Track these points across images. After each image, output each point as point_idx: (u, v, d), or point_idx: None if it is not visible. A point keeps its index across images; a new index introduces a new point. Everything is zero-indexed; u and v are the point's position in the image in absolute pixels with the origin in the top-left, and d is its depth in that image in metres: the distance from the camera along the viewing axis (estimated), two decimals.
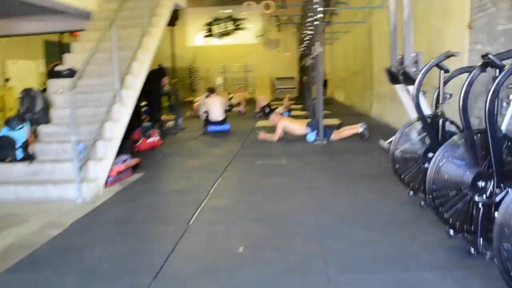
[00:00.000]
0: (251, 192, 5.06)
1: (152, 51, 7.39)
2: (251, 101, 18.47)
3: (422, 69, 4.40)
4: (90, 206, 4.69)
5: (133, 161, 6.16)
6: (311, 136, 8.32)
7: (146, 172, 6.22)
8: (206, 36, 24.86)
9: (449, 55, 4.39)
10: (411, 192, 4.55)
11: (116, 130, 5.84)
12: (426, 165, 4.23)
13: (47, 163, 5.43)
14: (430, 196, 3.30)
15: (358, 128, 8.32)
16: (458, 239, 3.30)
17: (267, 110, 13.53)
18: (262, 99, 13.83)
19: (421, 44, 6.35)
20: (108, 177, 5.49)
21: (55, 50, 13.74)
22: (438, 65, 4.37)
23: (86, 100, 5.56)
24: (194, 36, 24.68)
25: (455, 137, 3.33)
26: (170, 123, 11.68)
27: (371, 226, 3.77)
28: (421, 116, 4.29)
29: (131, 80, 6.52)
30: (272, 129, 8.91)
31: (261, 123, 11.74)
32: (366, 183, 5.16)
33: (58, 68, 7.14)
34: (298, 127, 8.52)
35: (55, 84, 6.61)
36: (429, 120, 4.32)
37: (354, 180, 5.35)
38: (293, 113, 13.52)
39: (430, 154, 4.25)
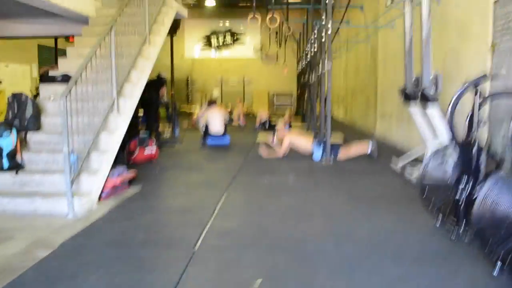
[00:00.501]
0: (260, 213, 4.61)
1: (153, 59, 6.98)
2: (248, 115, 18.12)
3: (457, 93, 3.98)
4: (82, 223, 4.22)
5: (130, 174, 5.69)
6: (317, 154, 7.91)
7: (143, 186, 5.76)
8: (204, 48, 24.52)
9: (485, 77, 4.03)
10: (438, 222, 4.13)
11: (112, 141, 5.38)
12: (457, 195, 3.85)
13: (36, 173, 4.94)
14: (477, 232, 2.93)
15: (367, 147, 7.93)
16: (504, 275, 2.89)
17: (267, 125, 13.18)
18: (263, 113, 13.44)
19: (435, 65, 6.03)
20: (102, 191, 5.03)
21: (50, 55, 13.38)
22: (474, 88, 3.97)
23: (81, 108, 5.09)
24: (192, 47, 24.33)
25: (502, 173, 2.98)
26: (167, 134, 11.25)
27: (401, 258, 3.34)
28: (456, 143, 3.90)
29: (129, 88, 6.09)
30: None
31: (262, 137, 11.32)
32: (384, 209, 4.74)
33: (52, 73, 6.71)
34: (304, 144, 8.11)
35: (47, 90, 6.16)
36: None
37: (370, 204, 4.93)
38: (294, 129, 13.13)
39: (462, 184, 3.87)
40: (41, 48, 15.12)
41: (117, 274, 3.07)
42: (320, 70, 9.17)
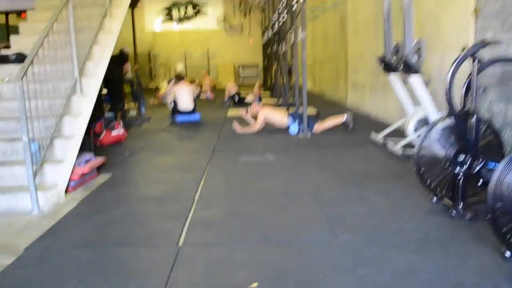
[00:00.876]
0: (244, 199, 4.27)
1: (115, 33, 6.41)
2: (214, 88, 17.63)
3: (456, 59, 3.70)
4: (49, 220, 3.79)
5: (98, 161, 5.25)
6: (294, 128, 7.62)
7: (114, 172, 5.33)
8: (165, 21, 23.61)
9: (485, 44, 3.76)
10: (435, 198, 3.91)
11: (77, 125, 4.91)
12: (456, 169, 3.62)
13: None
14: (491, 214, 2.68)
15: (342, 117, 7.70)
16: None
17: (236, 98, 12.77)
18: (232, 87, 13.00)
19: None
20: (69, 181, 4.58)
21: (1, 33, 12.39)
22: (472, 55, 3.70)
23: (40, 90, 4.56)
24: (153, 20, 23.38)
25: None
26: (133, 112, 10.73)
27: (405, 245, 3.09)
28: (453, 114, 3.64)
29: (92, 66, 5.57)
30: (245, 121, 8.20)
31: (233, 112, 10.93)
32: (374, 186, 4.50)
33: (3, 52, 6.09)
34: (279, 118, 7.80)
35: (0, 71, 5.59)
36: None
37: (359, 182, 4.67)
38: (264, 101, 12.76)
39: (461, 157, 3.64)
40: None
41: (94, 282, 2.69)
42: (293, 39, 8.77)
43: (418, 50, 5.66)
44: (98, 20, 5.95)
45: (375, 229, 3.40)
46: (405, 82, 6.60)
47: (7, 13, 11.18)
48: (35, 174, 4.05)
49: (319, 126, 7.63)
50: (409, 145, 5.90)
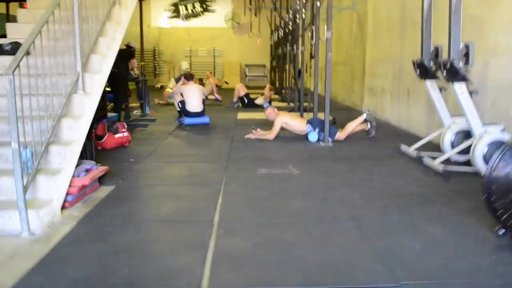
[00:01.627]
0: (272, 224, 3.58)
1: (125, 25, 5.77)
2: (219, 88, 16.96)
3: None
4: (41, 246, 3.11)
5: (100, 170, 4.58)
6: (313, 136, 6.97)
7: (117, 183, 4.67)
8: (172, 17, 22.92)
9: None
10: (502, 230, 3.26)
11: (78, 129, 4.23)
12: None
13: None
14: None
15: (362, 117, 7.12)
16: None
17: (246, 100, 12.12)
18: (240, 88, 12.32)
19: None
20: (67, 194, 3.92)
21: (1, 23, 11.74)
22: None
23: (35, 86, 3.89)
24: (159, 16, 22.70)
25: None
26: (137, 112, 10.08)
27: None
28: None
29: (97, 61, 4.90)
30: (258, 123, 7.60)
31: (243, 115, 10.28)
32: (422, 211, 3.86)
33: None
34: (298, 125, 7.16)
35: None
36: None
37: (402, 204, 4.02)
38: (274, 104, 12.10)
39: None
40: None
41: None
42: (314, 39, 8.11)
43: (466, 55, 5.05)
44: (106, 9, 5.30)
45: (442, 271, 2.75)
46: (442, 89, 5.97)
47: (7, 2, 10.52)
48: (25, 188, 3.38)
49: (341, 134, 7.00)
50: (448, 161, 5.29)
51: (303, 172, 5.19)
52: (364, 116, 7.17)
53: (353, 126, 7.12)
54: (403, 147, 6.22)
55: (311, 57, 8.66)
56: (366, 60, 11.28)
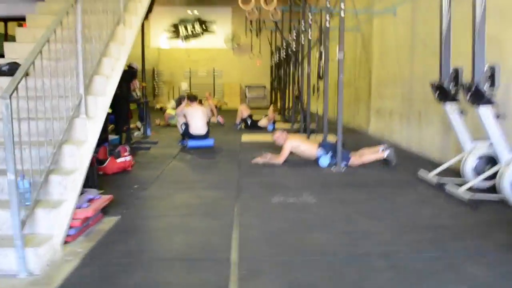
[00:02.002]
0: (297, 264, 3.20)
1: (129, 45, 5.48)
2: (219, 109, 16.71)
3: None
4: None
5: (104, 200, 4.23)
6: (325, 160, 6.65)
7: (122, 213, 4.32)
8: (171, 38, 22.79)
9: None
10: None
11: (80, 157, 3.89)
12: None
13: None
14: None
15: (383, 152, 6.73)
16: None
17: (249, 121, 11.85)
18: (244, 109, 12.06)
19: (468, 57, 4.89)
20: (69, 227, 3.57)
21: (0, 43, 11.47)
22: None
23: (34, 110, 3.56)
24: (158, 36, 22.57)
25: None
26: (138, 134, 9.76)
27: None
28: None
29: (101, 82, 4.58)
30: (263, 146, 7.30)
31: (247, 137, 9.97)
32: (458, 247, 3.53)
33: None
34: (309, 149, 6.84)
35: None
36: None
37: (434, 239, 3.68)
38: (277, 125, 11.83)
39: None
40: None
41: None
42: (323, 59, 7.87)
43: (491, 77, 4.78)
44: (110, 29, 5.01)
45: None
46: (462, 112, 5.69)
47: (5, 21, 10.27)
48: (23, 223, 3.04)
49: (356, 159, 6.66)
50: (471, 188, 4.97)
51: (320, 200, 4.86)
52: (385, 154, 6.74)
53: (371, 158, 6.74)
54: (421, 173, 5.91)
55: (319, 77, 8.37)
56: (372, 81, 11.05)
